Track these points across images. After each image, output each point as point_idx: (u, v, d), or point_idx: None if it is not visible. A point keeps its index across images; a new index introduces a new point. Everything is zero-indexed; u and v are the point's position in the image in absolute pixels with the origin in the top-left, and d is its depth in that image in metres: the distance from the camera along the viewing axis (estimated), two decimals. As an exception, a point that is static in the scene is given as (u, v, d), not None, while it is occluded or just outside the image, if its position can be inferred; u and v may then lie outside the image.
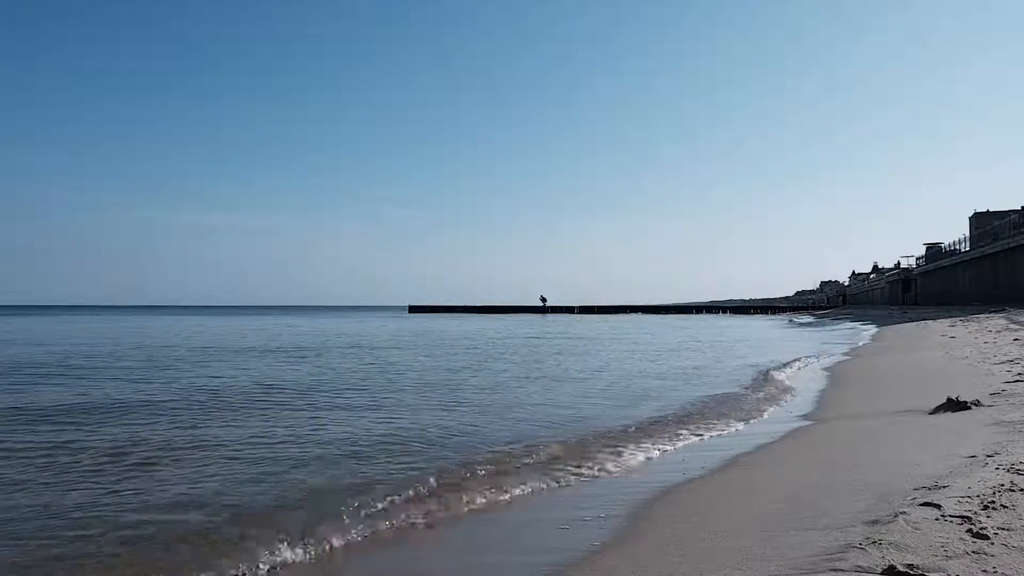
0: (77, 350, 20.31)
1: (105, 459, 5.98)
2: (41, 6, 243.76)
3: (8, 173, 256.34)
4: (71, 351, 19.86)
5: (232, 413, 8.54)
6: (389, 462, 5.78)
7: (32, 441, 6.78)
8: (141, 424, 7.73)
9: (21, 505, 4.65)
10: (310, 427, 7.52)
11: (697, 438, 6.85)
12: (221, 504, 4.60)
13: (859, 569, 2.67)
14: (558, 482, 5.22)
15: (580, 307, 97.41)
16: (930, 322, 24.56)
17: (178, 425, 7.65)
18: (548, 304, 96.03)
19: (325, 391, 10.75)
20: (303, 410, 8.78)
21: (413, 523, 4.29)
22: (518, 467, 5.58)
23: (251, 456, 6.06)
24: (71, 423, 7.79)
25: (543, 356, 18.53)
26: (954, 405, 6.35)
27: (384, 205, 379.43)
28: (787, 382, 11.52)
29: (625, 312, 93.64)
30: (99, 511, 4.49)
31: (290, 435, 7.03)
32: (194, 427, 7.52)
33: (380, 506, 4.49)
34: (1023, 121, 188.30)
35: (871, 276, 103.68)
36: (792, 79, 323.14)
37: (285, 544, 3.78)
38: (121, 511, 4.50)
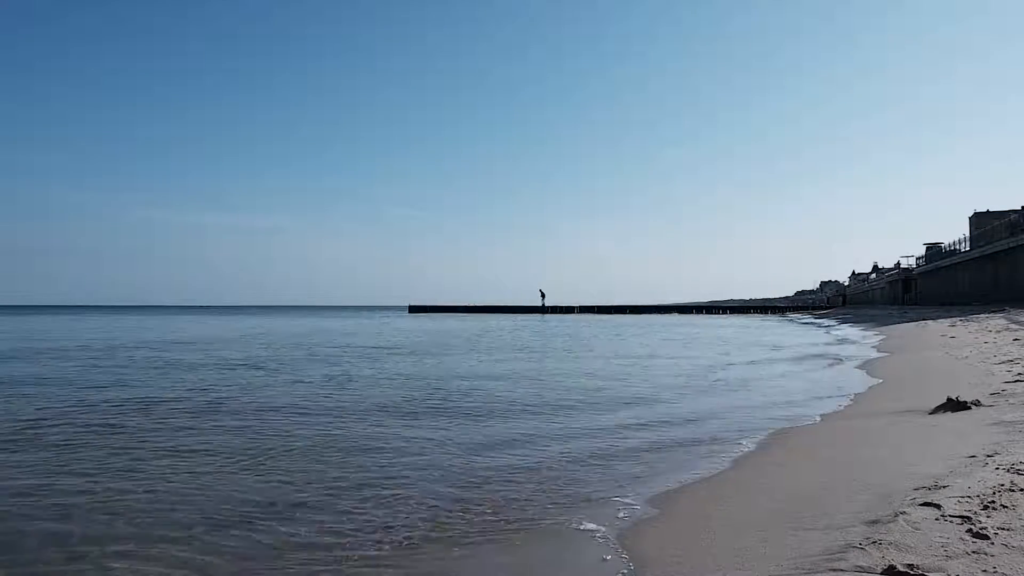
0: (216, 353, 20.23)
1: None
2: (41, 6, 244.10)
3: (8, 173, 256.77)
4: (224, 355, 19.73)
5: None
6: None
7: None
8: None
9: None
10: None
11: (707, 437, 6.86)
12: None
13: (859, 569, 2.67)
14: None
15: (580, 307, 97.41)
16: (930, 322, 24.56)
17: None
18: (548, 304, 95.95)
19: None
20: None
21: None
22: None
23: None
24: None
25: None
26: (954, 405, 6.35)
27: (384, 205, 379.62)
28: (788, 380, 11.52)
29: (624, 312, 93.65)
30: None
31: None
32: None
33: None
34: (1023, 121, 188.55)
35: (871, 276, 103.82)
36: (792, 79, 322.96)
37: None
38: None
